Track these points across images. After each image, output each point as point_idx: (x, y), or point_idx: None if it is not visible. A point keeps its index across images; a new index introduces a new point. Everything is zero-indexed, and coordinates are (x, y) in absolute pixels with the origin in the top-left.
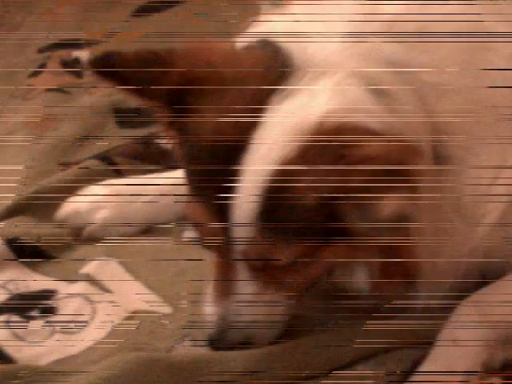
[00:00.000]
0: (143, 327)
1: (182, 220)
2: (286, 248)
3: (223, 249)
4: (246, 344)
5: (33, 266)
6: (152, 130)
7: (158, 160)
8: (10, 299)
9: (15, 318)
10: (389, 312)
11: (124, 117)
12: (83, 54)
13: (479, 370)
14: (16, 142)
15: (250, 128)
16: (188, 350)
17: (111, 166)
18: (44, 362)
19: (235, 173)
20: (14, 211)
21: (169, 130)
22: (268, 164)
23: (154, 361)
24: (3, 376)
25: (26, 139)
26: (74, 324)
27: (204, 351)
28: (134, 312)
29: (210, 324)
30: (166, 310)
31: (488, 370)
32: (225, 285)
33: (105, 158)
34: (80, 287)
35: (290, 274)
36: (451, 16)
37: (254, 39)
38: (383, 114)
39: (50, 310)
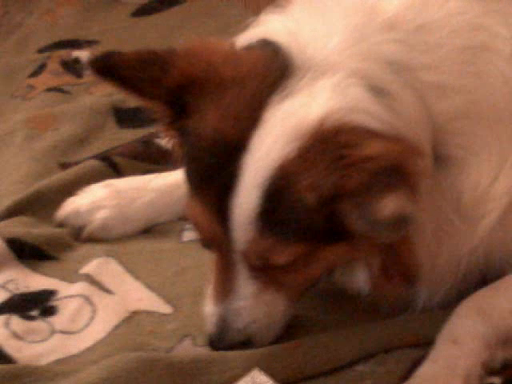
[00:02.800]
0: (143, 327)
1: (182, 220)
2: (286, 248)
3: (223, 249)
4: (246, 344)
5: (33, 266)
6: (152, 129)
7: (158, 160)
8: (9, 299)
9: (15, 317)
10: (389, 312)
11: (124, 117)
12: (83, 54)
13: (479, 370)
14: (16, 142)
15: (249, 128)
16: (188, 350)
17: (111, 166)
18: (44, 361)
19: (235, 173)
20: (14, 211)
21: (169, 129)
22: (268, 164)
23: (154, 361)
24: (3, 376)
25: (25, 139)
26: (73, 324)
27: (204, 351)
28: (134, 312)
29: (209, 324)
30: (166, 309)
31: (488, 370)
32: (225, 285)
33: (105, 158)
34: (80, 287)
35: (290, 274)
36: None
37: (254, 39)
38: (383, 114)
39: (49, 310)
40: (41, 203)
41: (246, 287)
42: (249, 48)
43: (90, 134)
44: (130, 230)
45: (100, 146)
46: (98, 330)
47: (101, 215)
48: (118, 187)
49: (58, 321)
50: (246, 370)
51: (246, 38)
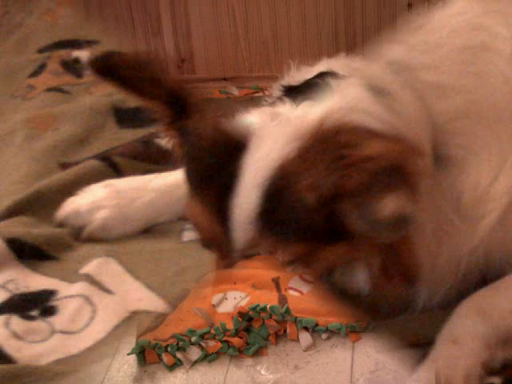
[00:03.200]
0: (143, 327)
1: (182, 220)
2: (286, 248)
3: (223, 249)
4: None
5: (33, 266)
6: (152, 129)
7: (158, 160)
8: (9, 299)
9: (15, 317)
10: (389, 312)
11: (124, 117)
12: (83, 54)
13: (479, 370)
14: (16, 142)
15: (249, 128)
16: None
17: (111, 166)
18: (44, 362)
19: (235, 173)
20: (14, 211)
21: (169, 129)
22: (268, 164)
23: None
24: (3, 376)
25: (25, 139)
26: (73, 324)
27: None
28: (133, 312)
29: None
30: (166, 309)
31: (488, 370)
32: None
33: (105, 157)
34: (80, 287)
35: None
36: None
37: None
38: (383, 114)
39: (49, 310)
40: (41, 203)
41: None
42: None
43: (90, 134)
44: (129, 230)
45: (100, 145)
46: (98, 330)
47: (101, 215)
48: (118, 187)
49: (58, 321)
50: None
51: None
